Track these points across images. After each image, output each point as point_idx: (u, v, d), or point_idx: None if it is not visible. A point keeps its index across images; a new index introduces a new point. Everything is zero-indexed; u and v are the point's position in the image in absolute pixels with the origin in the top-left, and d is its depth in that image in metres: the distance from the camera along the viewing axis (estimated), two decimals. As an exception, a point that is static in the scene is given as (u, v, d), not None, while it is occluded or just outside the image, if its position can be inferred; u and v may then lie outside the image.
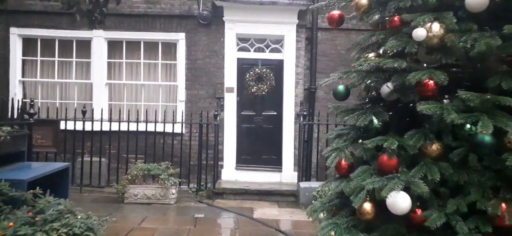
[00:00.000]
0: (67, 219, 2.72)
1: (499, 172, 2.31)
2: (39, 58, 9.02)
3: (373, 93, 3.21)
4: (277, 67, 8.87)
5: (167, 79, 9.12)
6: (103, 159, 8.22)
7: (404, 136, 2.52)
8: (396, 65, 2.45)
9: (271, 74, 8.74)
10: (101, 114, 8.18)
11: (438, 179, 2.28)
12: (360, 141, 2.84)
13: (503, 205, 2.20)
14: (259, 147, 8.88)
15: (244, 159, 8.88)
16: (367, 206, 2.41)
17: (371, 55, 2.96)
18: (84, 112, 8.08)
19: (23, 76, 9.06)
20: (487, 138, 2.14)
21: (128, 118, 8.18)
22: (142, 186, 7.40)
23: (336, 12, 3.16)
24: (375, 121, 2.58)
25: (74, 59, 9.02)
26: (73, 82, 9.08)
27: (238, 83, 8.85)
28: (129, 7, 8.77)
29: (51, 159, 8.08)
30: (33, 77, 9.09)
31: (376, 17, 3.09)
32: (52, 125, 7.91)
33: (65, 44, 9.02)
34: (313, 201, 7.16)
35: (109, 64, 9.06)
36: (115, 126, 8.15)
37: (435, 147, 2.40)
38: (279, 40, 8.95)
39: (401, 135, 2.52)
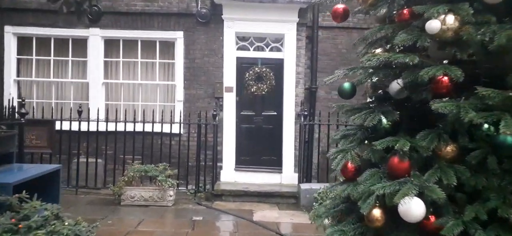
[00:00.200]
0: (53, 226, 2.53)
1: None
2: (34, 57, 8.84)
3: (379, 91, 3.04)
4: (277, 66, 8.71)
5: (165, 79, 8.95)
6: (99, 160, 8.04)
7: (415, 136, 2.34)
8: (407, 60, 2.28)
9: (271, 74, 8.57)
10: (98, 114, 7.99)
11: (455, 184, 2.10)
12: (366, 142, 2.66)
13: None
14: (259, 148, 8.72)
15: (244, 160, 8.71)
16: (377, 212, 2.23)
17: (379, 50, 2.78)
18: (80, 112, 7.90)
19: (18, 76, 8.89)
20: (510, 139, 1.96)
21: (125, 118, 8.01)
22: (139, 188, 7.23)
23: (340, 6, 2.98)
24: (384, 120, 2.40)
25: (70, 58, 8.84)
26: (69, 82, 8.91)
27: (238, 82, 8.69)
28: (126, 5, 8.61)
29: (46, 160, 7.94)
30: (28, 77, 8.91)
31: (384, 10, 2.91)
32: (47, 126, 7.78)
33: (61, 42, 8.85)
34: (314, 203, 7.03)
35: (105, 63, 8.89)
36: (111, 127, 7.98)
37: (450, 148, 2.22)
38: (279, 39, 8.79)
39: (412, 136, 2.35)
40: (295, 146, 8.52)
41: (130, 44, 8.84)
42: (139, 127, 7.96)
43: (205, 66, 8.70)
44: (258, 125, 8.78)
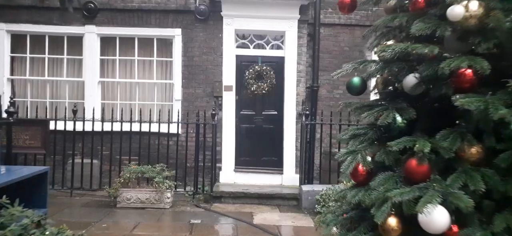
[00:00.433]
0: (33, 236, 2.31)
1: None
2: (28, 55, 8.63)
3: (389, 87, 2.81)
4: (278, 64, 8.51)
5: (162, 77, 8.74)
6: (95, 161, 7.82)
7: (433, 136, 2.11)
8: (426, 51, 2.05)
9: (272, 72, 8.38)
10: (93, 113, 7.76)
11: (484, 189, 1.87)
12: (376, 142, 2.43)
13: None
14: (259, 148, 8.52)
15: (243, 161, 8.51)
16: (392, 221, 1.99)
17: (391, 42, 2.55)
18: (74, 112, 7.67)
19: (11, 74, 8.66)
20: (546, 139, 1.75)
21: (121, 118, 7.79)
22: (135, 190, 7.00)
23: (348, -4, 2.75)
24: (399, 118, 2.17)
25: (65, 56, 8.63)
26: (64, 80, 8.69)
27: (237, 81, 8.48)
28: (122, 1, 8.41)
29: (40, 161, 7.72)
30: (22, 75, 8.69)
31: (394, 0, 2.68)
32: (41, 125, 7.54)
33: (56, 40, 8.64)
34: (316, 206, 6.82)
35: (102, 61, 8.67)
36: (107, 126, 7.76)
37: (474, 150, 1.99)
38: (280, 36, 8.59)
39: (430, 135, 2.12)
40: (296, 146, 8.31)
41: (127, 42, 8.63)
42: (136, 127, 7.73)
43: (203, 64, 8.49)
44: (258, 125, 8.57)
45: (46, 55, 8.61)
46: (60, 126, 7.72)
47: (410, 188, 1.94)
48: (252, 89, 8.35)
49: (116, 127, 7.76)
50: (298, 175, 7.98)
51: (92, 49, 8.48)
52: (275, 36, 8.58)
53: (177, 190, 7.55)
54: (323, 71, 8.61)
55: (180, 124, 7.97)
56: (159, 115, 7.85)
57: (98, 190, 7.76)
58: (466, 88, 2.02)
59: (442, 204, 1.85)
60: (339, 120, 7.61)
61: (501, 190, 1.91)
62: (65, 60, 8.63)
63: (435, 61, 2.14)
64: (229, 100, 8.41)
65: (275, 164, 8.46)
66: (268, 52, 8.59)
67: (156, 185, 6.89)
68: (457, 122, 2.13)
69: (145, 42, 8.63)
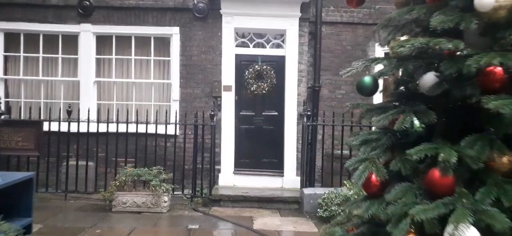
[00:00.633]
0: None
1: None
2: (22, 54, 8.39)
3: (401, 86, 2.58)
4: (278, 64, 8.29)
5: (160, 77, 8.52)
6: (90, 163, 7.57)
7: (456, 142, 1.88)
8: (450, 46, 1.82)
9: (272, 72, 8.16)
10: (88, 114, 7.53)
11: (521, 206, 1.64)
12: (390, 149, 2.20)
13: None
14: (259, 150, 8.29)
15: (243, 163, 8.29)
16: (412, 240, 1.77)
17: (404, 37, 2.32)
18: (69, 112, 7.44)
19: (5, 74, 8.44)
20: None
21: (117, 119, 7.55)
22: (131, 193, 6.78)
23: (357, -12, 2.52)
24: (416, 122, 1.94)
25: (60, 55, 8.40)
26: (59, 80, 8.47)
27: (237, 81, 8.27)
28: (119, -1, 8.17)
29: (33, 163, 7.50)
30: (15, 75, 8.46)
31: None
32: (34, 127, 7.34)
33: (51, 39, 8.40)
34: (318, 210, 6.60)
35: (97, 60, 8.45)
36: (103, 127, 7.52)
37: (506, 159, 1.76)
38: (280, 35, 8.37)
39: (453, 142, 1.88)
40: (297, 148, 8.09)
41: (123, 41, 8.40)
42: (132, 128, 7.50)
43: (202, 63, 8.27)
44: (258, 126, 8.36)
45: (41, 54, 8.38)
46: (54, 127, 7.48)
47: (433, 203, 1.71)
48: (252, 89, 8.14)
49: (112, 128, 7.53)
50: (299, 178, 7.75)
51: (88, 48, 8.25)
52: (276, 35, 8.36)
53: (175, 193, 7.32)
54: (325, 70, 8.40)
55: (178, 125, 7.75)
56: (156, 116, 7.61)
57: (93, 193, 7.52)
58: (496, 89, 1.79)
59: (472, 223, 1.61)
60: (341, 121, 7.39)
61: (538, 206, 1.69)
62: (60, 60, 8.40)
63: (458, 58, 1.91)
64: (228, 101, 8.19)
65: (276, 166, 8.24)
66: (268, 51, 8.37)
67: (153, 189, 6.67)
68: (484, 127, 1.89)
69: (142, 41, 8.40)
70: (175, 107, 8.18)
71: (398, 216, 1.81)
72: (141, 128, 7.50)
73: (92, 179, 7.63)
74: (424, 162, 1.94)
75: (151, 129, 7.53)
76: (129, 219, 6.32)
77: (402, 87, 2.59)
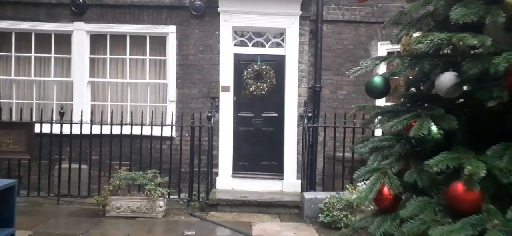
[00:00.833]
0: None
1: None
2: (13, 53, 8.16)
3: (412, 88, 2.34)
4: (278, 63, 8.05)
5: (156, 77, 8.29)
6: (83, 166, 7.33)
7: (480, 151, 1.64)
8: (476, 42, 1.58)
9: (272, 72, 7.93)
10: (81, 115, 7.29)
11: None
12: (404, 158, 1.96)
13: None
14: (258, 152, 8.06)
15: (242, 166, 8.05)
16: (434, 264, 1.53)
17: (417, 33, 2.08)
18: (61, 113, 7.21)
19: (-4, 74, 8.20)
20: None
21: (111, 120, 7.31)
22: (125, 198, 6.54)
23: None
24: (434, 129, 1.70)
25: (52, 55, 8.17)
26: (52, 81, 8.24)
27: (235, 81, 8.03)
28: (113, -4, 7.94)
29: (25, 166, 7.27)
30: (7, 75, 8.23)
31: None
32: (25, 129, 7.12)
33: (43, 38, 8.17)
34: (319, 215, 6.36)
35: (91, 60, 8.21)
36: (97, 129, 7.28)
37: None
38: (280, 34, 8.13)
39: (477, 151, 1.64)
40: (297, 150, 7.85)
41: (118, 40, 8.16)
42: (127, 130, 7.26)
43: (199, 63, 8.03)
44: (257, 128, 8.12)
45: (32, 54, 8.14)
46: (46, 129, 7.24)
47: (459, 223, 1.47)
48: (251, 90, 7.91)
49: (106, 130, 7.29)
50: (299, 181, 7.51)
51: (81, 47, 8.02)
52: (275, 34, 8.13)
53: (171, 197, 7.10)
54: (326, 70, 8.19)
55: (174, 127, 7.52)
56: (152, 117, 7.37)
57: (87, 197, 7.29)
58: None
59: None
60: (343, 123, 7.16)
61: None
62: (52, 59, 8.17)
63: (482, 56, 1.67)
64: (226, 101, 7.95)
65: (275, 169, 8.01)
66: (267, 50, 8.14)
67: (148, 193, 6.43)
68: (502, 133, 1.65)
69: (138, 40, 8.16)
70: (171, 108, 7.94)
71: (416, 234, 1.57)
72: (136, 130, 7.28)
73: (85, 183, 7.39)
74: (443, 172, 1.70)
75: (147, 131, 7.29)
76: (123, 224, 6.09)
77: (412, 89, 2.35)
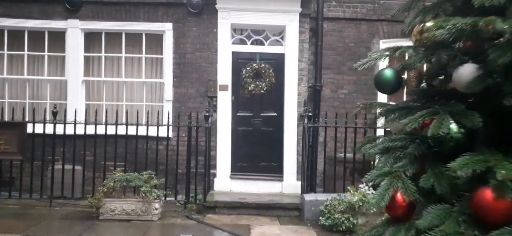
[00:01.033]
0: None
1: None
2: (6, 52, 7.97)
3: (423, 82, 2.14)
4: (278, 62, 7.87)
5: (152, 76, 8.10)
6: (77, 167, 7.12)
7: (506, 152, 1.44)
8: (506, 27, 1.38)
9: (271, 70, 7.75)
10: (75, 115, 7.08)
11: None
12: (419, 159, 1.76)
13: None
14: (257, 153, 7.88)
15: (240, 167, 7.87)
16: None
17: (429, 24, 1.88)
18: (55, 113, 7.00)
19: (-12, 73, 8.00)
20: None
21: (106, 120, 7.11)
22: (120, 200, 6.34)
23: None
24: (454, 127, 1.50)
25: (46, 53, 7.98)
26: (45, 79, 8.06)
27: (233, 80, 7.84)
28: (108, -7, 7.74)
29: (16, 168, 7.05)
30: (-1, 74, 8.03)
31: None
32: (17, 129, 6.94)
33: (36, 36, 7.98)
34: (320, 218, 6.17)
35: (86, 58, 8.02)
36: (91, 129, 7.08)
37: None
38: (279, 32, 7.94)
39: (504, 152, 1.44)
40: (297, 151, 7.66)
41: (113, 37, 7.97)
42: (122, 130, 7.06)
43: (197, 61, 7.84)
44: (256, 128, 7.94)
45: (25, 52, 7.95)
46: (39, 129, 7.03)
47: (490, 236, 1.27)
48: (249, 89, 7.73)
49: (101, 130, 7.08)
50: (299, 183, 7.32)
51: (76, 45, 7.83)
52: (275, 31, 7.94)
53: (168, 199, 6.90)
54: (327, 69, 7.99)
55: (170, 127, 7.32)
56: (147, 117, 7.17)
57: (80, 199, 7.09)
58: None
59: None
60: (344, 122, 6.96)
61: None
62: (46, 58, 7.98)
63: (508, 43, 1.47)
64: (224, 101, 7.76)
65: (275, 170, 7.82)
66: (267, 48, 7.95)
67: (143, 195, 6.24)
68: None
69: (133, 38, 7.97)
70: (168, 107, 7.75)
71: (438, 250, 1.37)
72: (132, 130, 7.07)
73: (79, 184, 7.19)
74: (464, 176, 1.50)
75: (142, 131, 7.09)
76: (117, 228, 5.92)
77: (423, 83, 2.16)
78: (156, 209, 6.33)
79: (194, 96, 7.84)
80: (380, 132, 7.10)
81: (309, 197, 6.67)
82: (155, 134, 7.14)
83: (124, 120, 7.17)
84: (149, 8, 7.81)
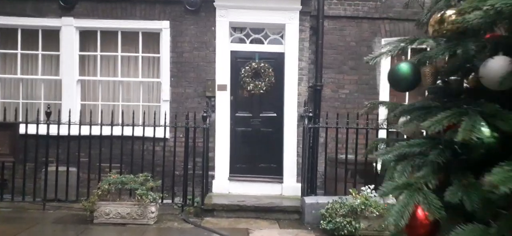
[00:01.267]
0: None
1: None
2: (-1, 50, 7.78)
3: (438, 80, 1.96)
4: (277, 61, 7.68)
5: (149, 75, 7.91)
6: (71, 169, 6.92)
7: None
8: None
9: (270, 70, 7.58)
10: (69, 115, 6.88)
11: None
12: (442, 169, 1.57)
13: None
14: (257, 154, 7.70)
15: (239, 168, 7.68)
16: None
17: (450, 12, 1.69)
18: (48, 113, 6.80)
19: (-20, 72, 7.80)
20: None
21: (101, 121, 6.92)
22: (115, 203, 6.15)
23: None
24: (486, 131, 1.32)
25: (40, 52, 7.79)
26: (39, 79, 7.86)
27: (232, 79, 7.66)
28: (104, -10, 7.54)
29: (9, 169, 6.85)
30: (-9, 73, 7.83)
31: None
32: (9, 130, 6.76)
33: (30, 34, 7.79)
34: (321, 221, 5.98)
35: (81, 57, 7.82)
36: (86, 130, 6.89)
37: None
38: (279, 30, 7.75)
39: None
40: (297, 152, 7.48)
41: (109, 36, 7.78)
42: (118, 131, 6.87)
43: (194, 61, 7.65)
44: (255, 128, 7.76)
45: (19, 51, 7.76)
46: (32, 129, 6.82)
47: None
48: (248, 89, 7.56)
49: (96, 131, 6.89)
50: (299, 184, 7.13)
51: (70, 44, 7.63)
52: (274, 30, 7.75)
53: (164, 202, 6.73)
54: (327, 68, 7.81)
55: (167, 128, 7.12)
56: (143, 117, 6.97)
57: (75, 201, 6.88)
58: None
59: None
60: (346, 123, 6.78)
61: None
62: (40, 56, 7.78)
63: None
64: (223, 101, 7.58)
65: (274, 172, 7.64)
66: (266, 47, 7.76)
67: (139, 198, 6.04)
68: None
69: (130, 36, 7.78)
70: (165, 108, 7.56)
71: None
72: (128, 131, 6.89)
73: (73, 187, 6.99)
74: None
75: (139, 131, 6.90)
76: (111, 232, 5.74)
77: (439, 81, 1.97)
78: (152, 212, 6.14)
79: (192, 96, 7.66)
80: (382, 133, 6.92)
81: (309, 199, 6.49)
82: (151, 135, 6.97)
83: (120, 121, 6.97)
84: (145, 5, 7.61)
